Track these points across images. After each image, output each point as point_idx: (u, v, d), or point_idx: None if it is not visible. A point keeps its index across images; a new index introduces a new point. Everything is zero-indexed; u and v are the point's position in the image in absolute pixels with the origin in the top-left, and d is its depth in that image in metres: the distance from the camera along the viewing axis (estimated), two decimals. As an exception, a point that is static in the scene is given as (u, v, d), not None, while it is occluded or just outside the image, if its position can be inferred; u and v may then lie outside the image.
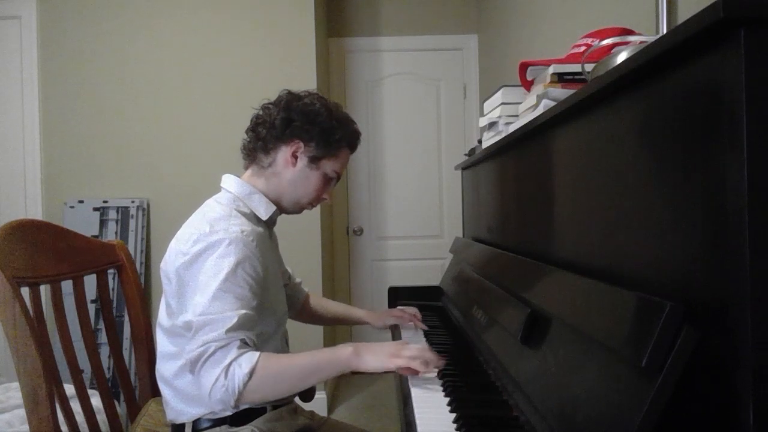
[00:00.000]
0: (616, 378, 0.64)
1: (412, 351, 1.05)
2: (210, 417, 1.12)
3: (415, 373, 1.04)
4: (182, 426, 1.15)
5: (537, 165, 1.13)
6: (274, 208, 1.23)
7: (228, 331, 1.00)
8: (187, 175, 2.84)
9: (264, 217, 1.21)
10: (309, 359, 1.05)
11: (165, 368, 1.16)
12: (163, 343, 1.17)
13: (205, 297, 1.02)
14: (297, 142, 1.19)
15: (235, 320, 1.01)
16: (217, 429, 1.12)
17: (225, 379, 0.98)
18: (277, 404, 1.18)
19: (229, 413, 1.11)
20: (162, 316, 1.17)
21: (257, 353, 1.02)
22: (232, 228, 1.08)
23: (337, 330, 3.36)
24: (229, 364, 0.99)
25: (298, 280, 1.54)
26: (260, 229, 1.17)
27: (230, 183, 1.22)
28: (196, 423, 1.13)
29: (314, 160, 1.21)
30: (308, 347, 1.22)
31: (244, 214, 1.16)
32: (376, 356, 1.05)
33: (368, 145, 3.49)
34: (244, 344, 1.03)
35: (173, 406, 1.15)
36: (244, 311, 1.03)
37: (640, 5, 1.31)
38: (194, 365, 1.00)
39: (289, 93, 1.24)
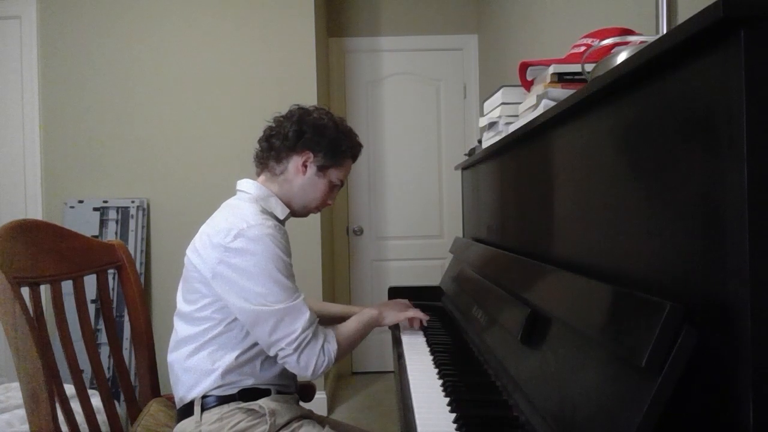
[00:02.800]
0: (616, 378, 0.64)
1: (412, 309, 1.51)
2: (218, 394, 1.20)
3: (419, 324, 1.52)
4: (190, 406, 1.20)
5: (537, 165, 1.13)
6: (287, 210, 1.34)
7: (311, 315, 1.19)
8: (186, 175, 2.84)
9: (281, 216, 1.32)
10: (358, 324, 1.35)
11: (182, 351, 1.24)
12: (182, 329, 1.25)
13: (268, 286, 1.15)
14: (307, 153, 1.31)
15: (306, 306, 1.19)
16: (226, 406, 1.19)
17: (324, 356, 1.20)
18: (281, 391, 1.27)
19: (236, 391, 1.22)
20: (181, 304, 1.26)
21: (331, 329, 1.26)
22: (267, 222, 1.19)
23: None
24: (323, 344, 1.21)
25: None
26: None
27: (249, 186, 1.32)
28: (204, 401, 1.20)
29: (322, 169, 1.33)
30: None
31: (267, 213, 1.28)
32: (392, 313, 1.46)
33: (368, 144, 3.49)
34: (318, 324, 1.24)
35: (185, 382, 1.22)
36: (303, 294, 1.22)
37: (640, 5, 1.31)
38: (296, 351, 1.17)
39: (300, 108, 1.35)
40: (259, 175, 1.36)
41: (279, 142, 1.31)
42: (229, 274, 1.15)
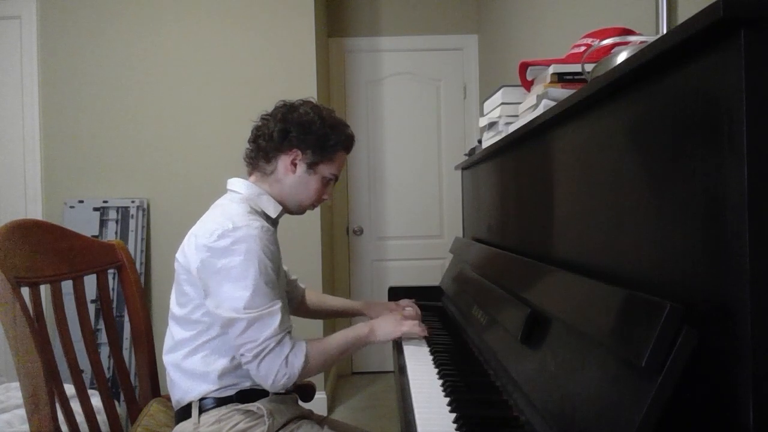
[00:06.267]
0: (616, 378, 0.64)
1: (410, 320, 1.37)
2: (215, 396, 1.20)
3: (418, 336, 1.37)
4: (188, 408, 1.20)
5: (537, 165, 1.13)
6: (280, 207, 1.31)
7: (280, 325, 1.14)
8: (186, 176, 2.84)
9: (273, 215, 1.30)
10: (341, 340, 1.26)
11: (177, 354, 1.23)
12: (176, 332, 1.24)
13: (245, 291, 1.12)
14: (295, 151, 1.28)
15: (280, 314, 1.15)
16: (224, 407, 1.19)
17: (286, 369, 1.14)
18: (279, 392, 1.25)
19: (233, 393, 1.21)
20: (174, 307, 1.25)
21: (303, 342, 1.19)
22: (254, 224, 1.16)
23: (337, 322, 3.35)
24: (287, 356, 1.15)
25: (294, 277, 1.59)
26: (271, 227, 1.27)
27: (239, 185, 1.29)
28: (202, 403, 1.20)
29: (312, 166, 1.29)
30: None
31: (257, 213, 1.25)
32: (385, 329, 1.32)
33: (368, 145, 3.49)
34: (290, 334, 1.18)
35: (181, 386, 1.22)
36: (279, 302, 1.16)
37: (640, 5, 1.31)
38: (255, 359, 1.13)
39: (285, 104, 1.32)
40: (250, 174, 1.34)
41: (265, 143, 1.28)
42: (208, 275, 1.14)
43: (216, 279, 1.13)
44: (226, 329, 1.16)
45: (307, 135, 1.27)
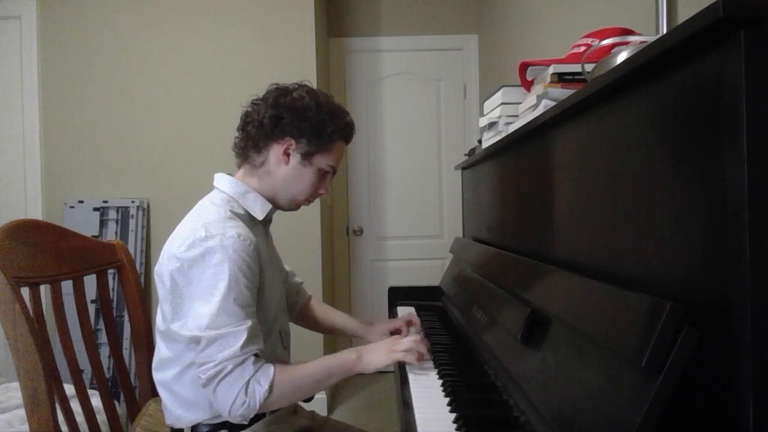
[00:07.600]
0: (616, 378, 0.64)
1: (405, 345, 1.14)
2: (209, 422, 1.11)
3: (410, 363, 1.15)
4: (181, 431, 1.15)
5: (537, 165, 1.13)
6: (269, 206, 1.20)
7: (242, 347, 1.01)
8: (187, 175, 2.84)
9: (260, 216, 1.19)
10: (319, 368, 1.09)
11: (165, 373, 1.14)
12: (161, 348, 1.15)
13: (210, 308, 1.01)
14: (288, 140, 1.16)
15: (245, 335, 1.01)
16: None
17: (245, 396, 1.00)
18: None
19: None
20: (159, 320, 1.15)
21: (272, 366, 1.04)
22: (229, 232, 1.04)
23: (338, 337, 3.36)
24: (248, 382, 1.01)
25: (299, 280, 1.51)
26: (257, 230, 1.17)
27: (223, 182, 1.18)
28: (194, 428, 1.12)
29: (307, 156, 1.17)
30: (309, 351, 1.23)
31: (239, 216, 1.14)
32: (376, 356, 1.13)
33: (368, 145, 3.49)
34: (257, 357, 1.04)
35: (172, 411, 1.13)
36: (250, 322, 1.04)
37: (640, 5, 1.31)
38: (210, 382, 1.01)
39: (277, 88, 1.20)
40: (239, 167, 1.22)
41: (255, 130, 1.15)
42: (178, 289, 1.05)
43: (186, 293, 1.04)
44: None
45: (302, 122, 1.14)
